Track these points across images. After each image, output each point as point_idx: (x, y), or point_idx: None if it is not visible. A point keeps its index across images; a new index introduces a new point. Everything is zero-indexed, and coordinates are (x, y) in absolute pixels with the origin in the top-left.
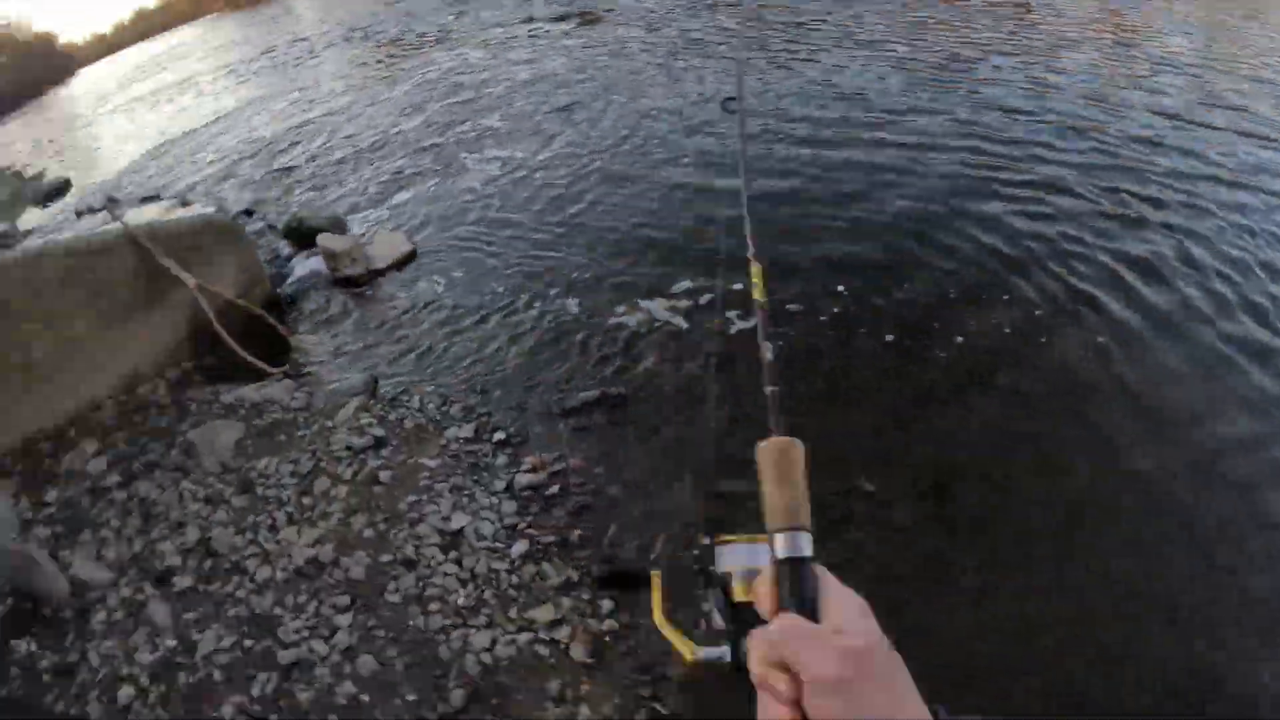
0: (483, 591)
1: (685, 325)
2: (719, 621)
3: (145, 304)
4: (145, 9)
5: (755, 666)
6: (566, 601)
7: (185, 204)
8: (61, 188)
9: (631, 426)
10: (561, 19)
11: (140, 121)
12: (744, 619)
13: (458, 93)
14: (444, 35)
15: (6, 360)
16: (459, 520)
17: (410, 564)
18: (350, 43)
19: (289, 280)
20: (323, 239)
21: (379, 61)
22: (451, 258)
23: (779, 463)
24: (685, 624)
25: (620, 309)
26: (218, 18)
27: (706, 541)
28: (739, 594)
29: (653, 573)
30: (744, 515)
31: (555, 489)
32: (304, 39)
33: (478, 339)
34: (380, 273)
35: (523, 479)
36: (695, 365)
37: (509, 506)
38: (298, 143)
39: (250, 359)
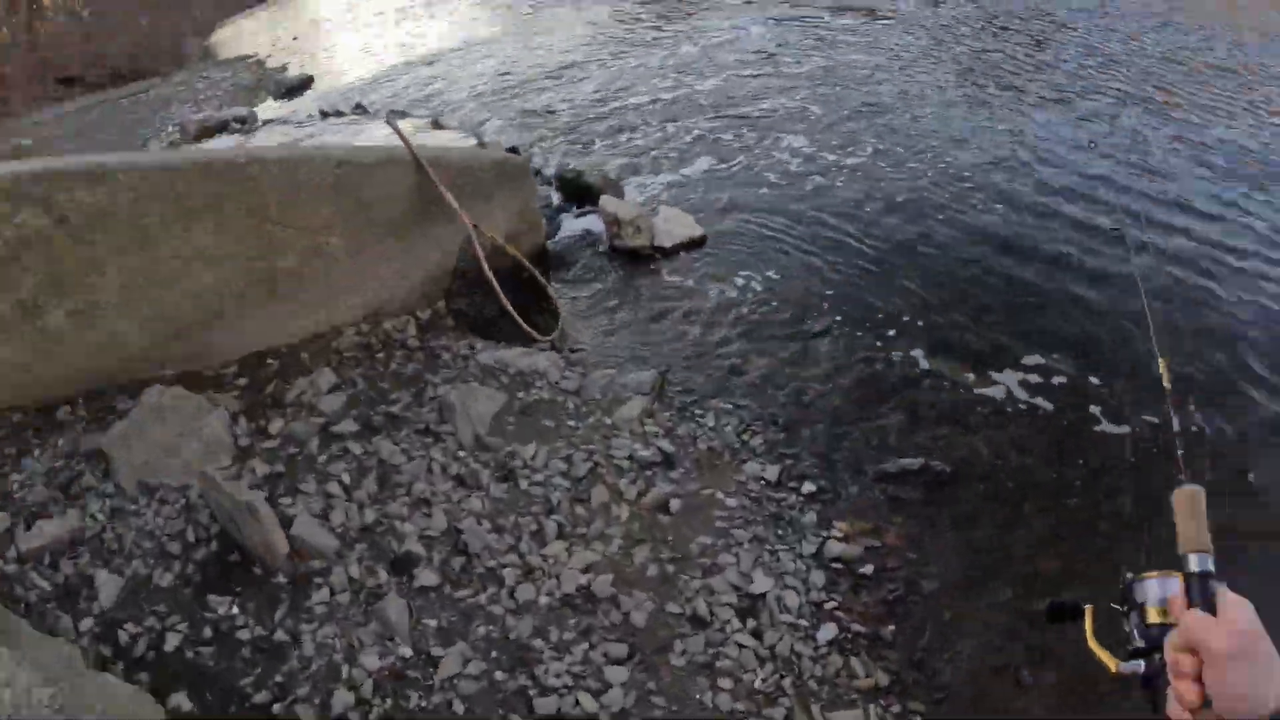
0: (782, 676)
1: (1041, 406)
2: (1137, 640)
3: (409, 232)
4: None
5: (1169, 653)
6: (874, 711)
7: (438, 125)
8: (304, 83)
9: (951, 509)
10: (843, 10)
11: (388, 34)
12: (1155, 639)
13: (740, 69)
14: (718, 3)
15: (252, 264)
16: (761, 582)
17: (701, 623)
18: None
19: (558, 236)
20: (606, 200)
21: (648, 18)
22: (750, 254)
23: (1191, 503)
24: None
25: (961, 369)
26: None
27: (1129, 576)
28: (1153, 617)
29: (1087, 606)
30: None
31: (869, 568)
32: None
33: (784, 361)
34: (666, 252)
35: (835, 548)
36: (1039, 456)
37: (818, 578)
38: (559, 86)
39: (520, 320)
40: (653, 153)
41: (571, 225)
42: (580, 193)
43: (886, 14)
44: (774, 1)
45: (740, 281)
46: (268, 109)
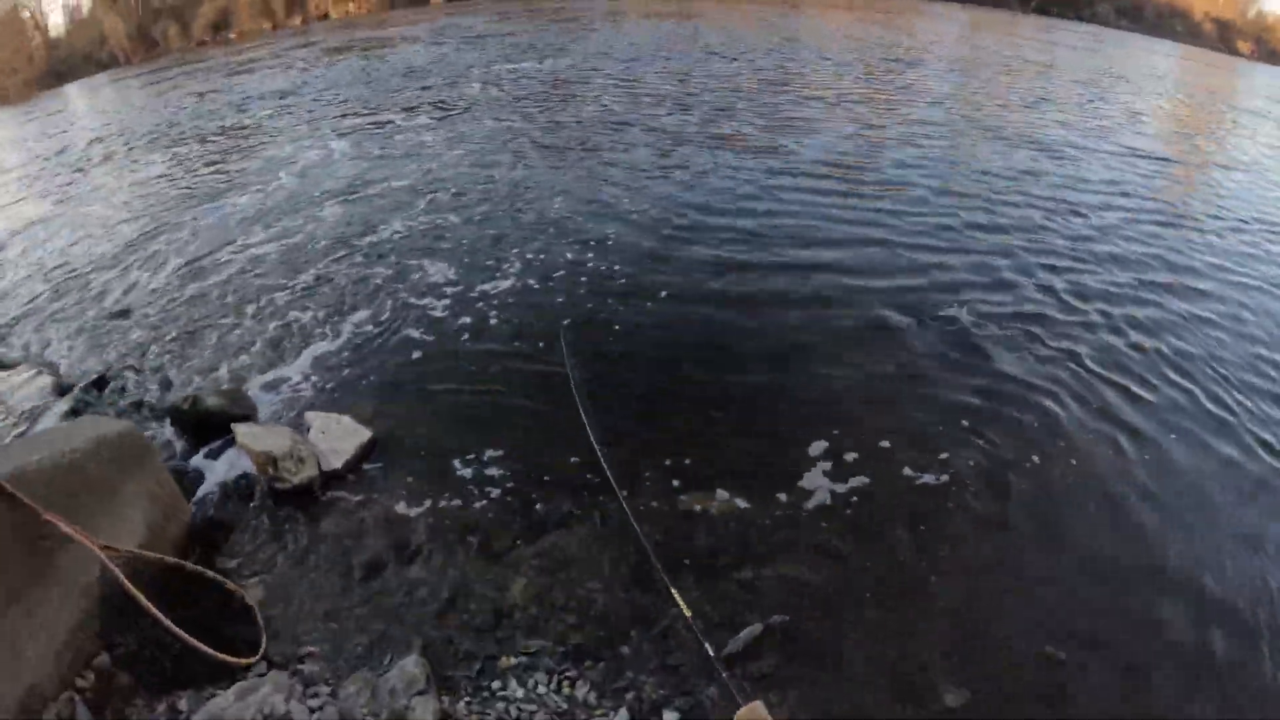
0: None
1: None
2: None
3: (27, 584)
4: None
5: None
6: None
7: (2, 365)
8: None
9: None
10: (411, 109)
11: None
12: None
13: (324, 202)
14: (275, 132)
15: None
16: None
17: None
18: (161, 141)
19: (198, 493)
20: (245, 433)
21: (209, 164)
22: (432, 441)
23: None
24: None
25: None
26: None
27: None
28: None
29: None
30: None
31: None
32: (101, 137)
33: (542, 569)
34: (337, 475)
35: None
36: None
37: None
38: (130, 271)
39: (210, 650)
40: (254, 340)
41: (209, 472)
42: (202, 422)
43: (455, 104)
44: (330, 117)
45: (440, 481)
46: None
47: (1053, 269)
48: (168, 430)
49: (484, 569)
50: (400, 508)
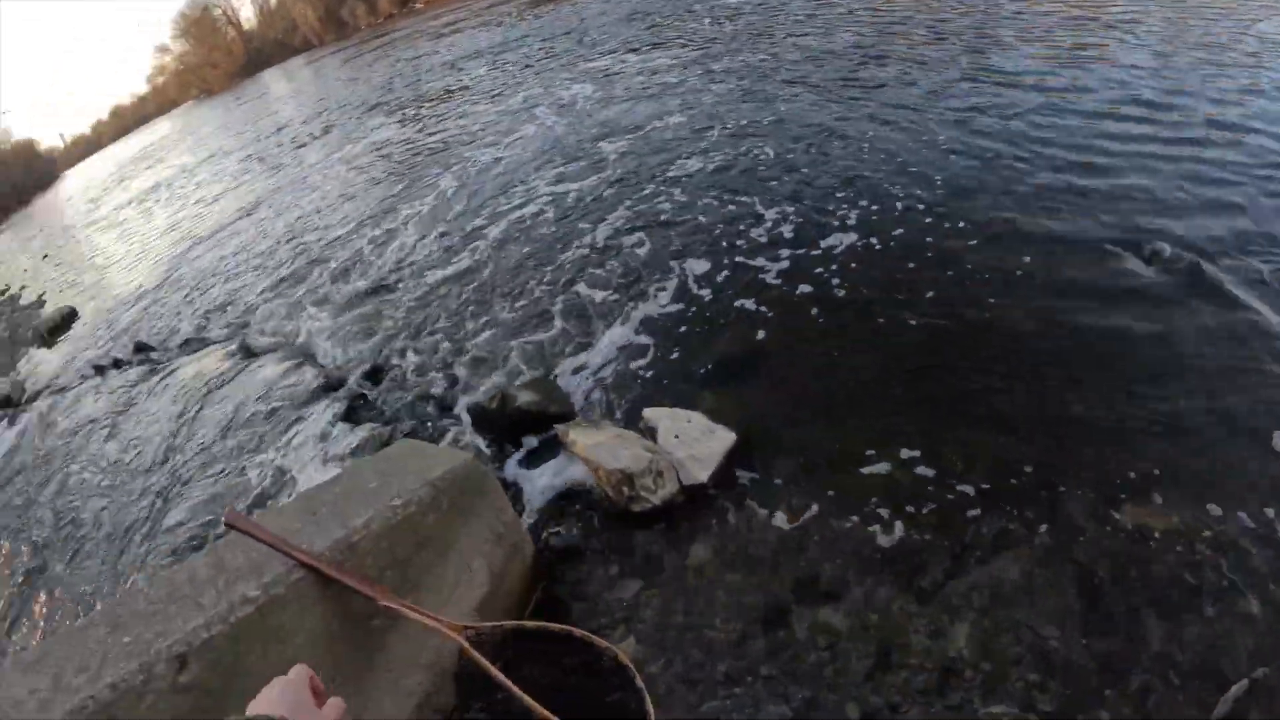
0: None
1: None
2: None
3: (358, 670)
4: (121, 106)
5: None
6: None
7: (249, 352)
8: (67, 319)
9: None
10: (644, 49)
11: (138, 229)
12: None
13: (584, 152)
14: (504, 81)
15: None
16: None
17: None
18: (383, 108)
19: (525, 515)
20: (584, 443)
21: (440, 123)
22: (795, 446)
23: None
24: None
25: None
26: (194, 104)
27: None
28: None
29: None
30: None
31: None
32: (318, 112)
33: (970, 620)
34: (702, 489)
35: None
36: None
37: None
38: (376, 246)
39: None
40: (564, 308)
41: (529, 485)
42: (514, 423)
43: (691, 40)
44: (559, 65)
45: (829, 492)
46: (35, 364)
47: None
48: (468, 432)
49: (913, 610)
50: (787, 529)
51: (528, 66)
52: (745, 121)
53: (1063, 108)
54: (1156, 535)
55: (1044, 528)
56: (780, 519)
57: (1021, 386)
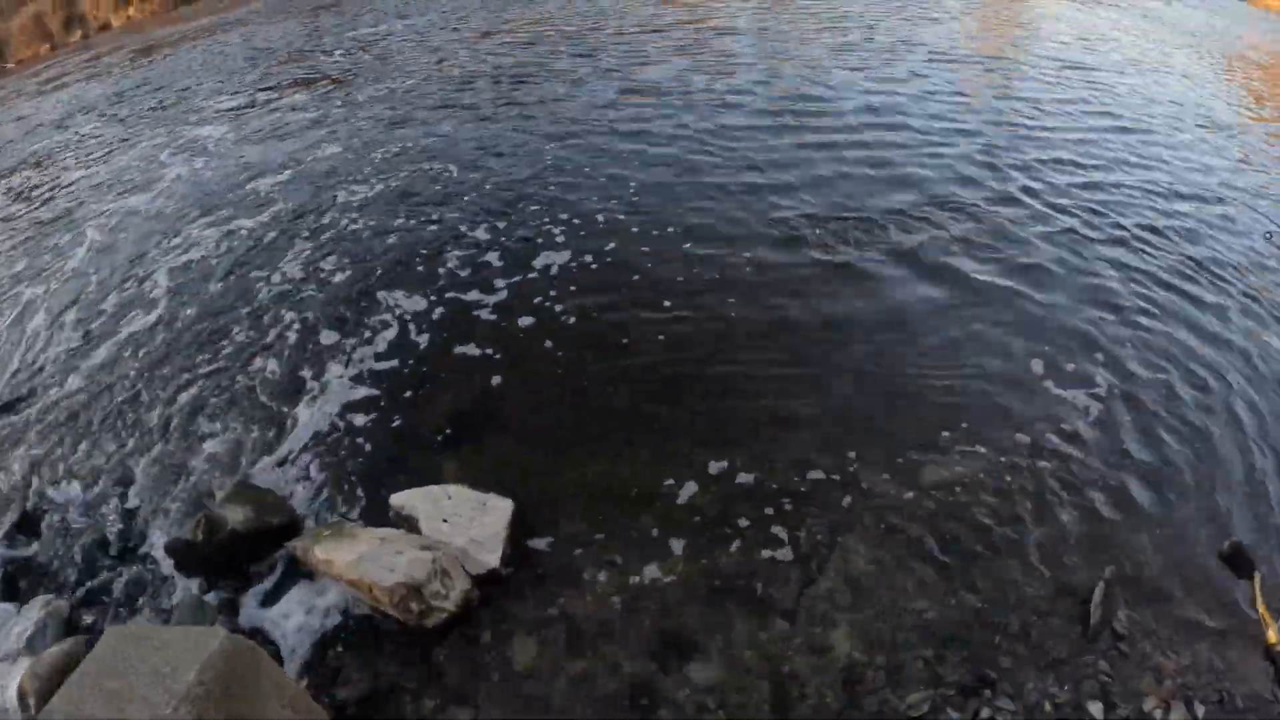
0: None
1: None
2: None
3: None
4: None
5: None
6: None
7: None
8: None
9: None
10: (273, 88)
11: None
12: None
13: (236, 196)
14: (121, 134)
15: None
16: None
17: None
18: None
19: (289, 670)
20: (338, 560)
21: (50, 191)
22: (580, 501)
23: None
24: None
25: None
26: None
27: None
28: None
29: (1256, 573)
30: None
31: None
32: None
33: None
34: (496, 577)
35: None
36: None
37: None
38: None
39: None
40: (245, 387)
41: (280, 631)
42: (229, 552)
43: (323, 75)
44: (179, 111)
45: (641, 546)
46: None
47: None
48: (175, 580)
49: (783, 633)
50: (608, 589)
51: (153, 112)
52: (412, 145)
53: (721, 110)
54: (958, 488)
55: (864, 512)
56: (597, 580)
57: (777, 380)
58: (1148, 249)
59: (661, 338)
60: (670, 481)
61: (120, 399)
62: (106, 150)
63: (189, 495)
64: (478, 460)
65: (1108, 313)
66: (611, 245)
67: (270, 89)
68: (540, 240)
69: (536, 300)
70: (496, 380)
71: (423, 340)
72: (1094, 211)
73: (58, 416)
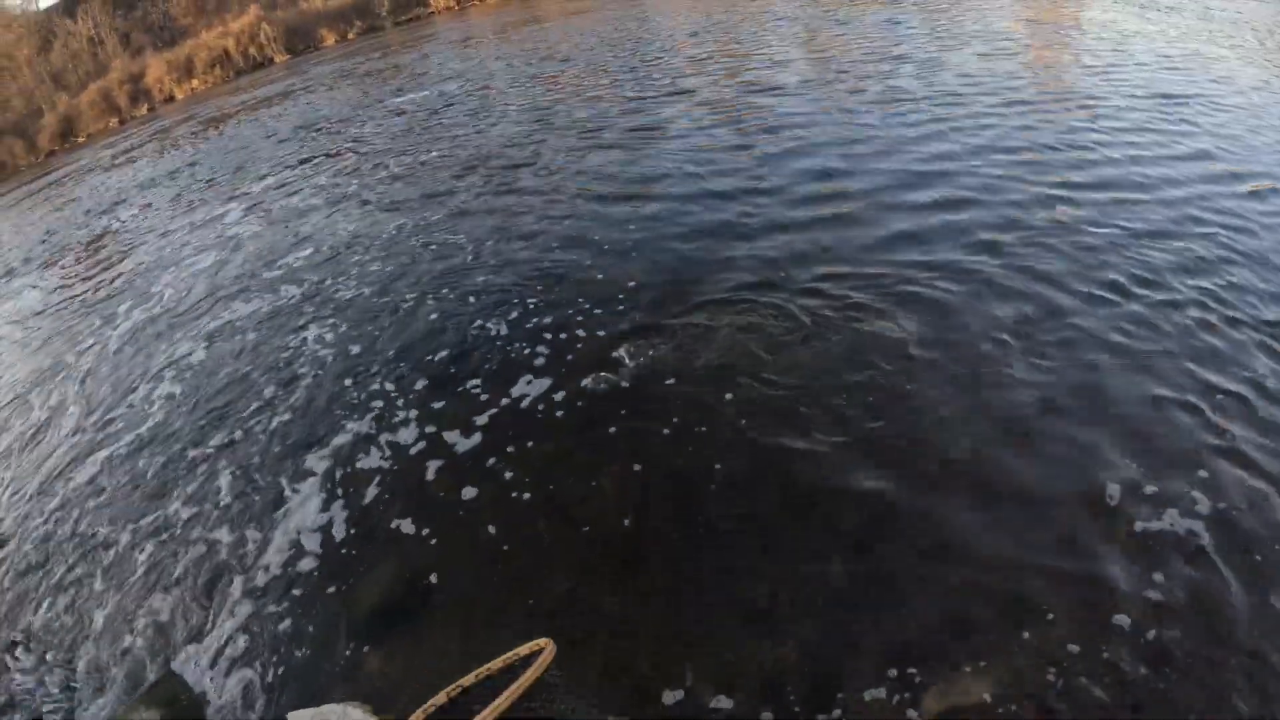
0: None
1: None
2: None
3: None
4: None
5: None
6: None
7: None
8: None
9: None
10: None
11: None
12: None
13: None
14: (151, 224)
15: None
16: None
17: None
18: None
19: None
20: None
21: (89, 278)
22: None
23: None
24: None
25: None
26: None
27: None
28: None
29: None
30: None
31: None
32: None
33: None
34: None
35: None
36: None
37: None
38: None
39: None
40: (161, 557)
41: None
42: None
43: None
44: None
45: None
46: None
47: None
48: None
49: None
50: None
51: (198, 191)
52: (410, 230)
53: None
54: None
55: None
56: None
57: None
58: None
59: (618, 503)
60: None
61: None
62: (138, 243)
63: (125, 679)
64: (394, 668)
65: None
66: (585, 385)
67: (307, 162)
68: (528, 355)
69: (498, 458)
70: (440, 555)
71: (370, 502)
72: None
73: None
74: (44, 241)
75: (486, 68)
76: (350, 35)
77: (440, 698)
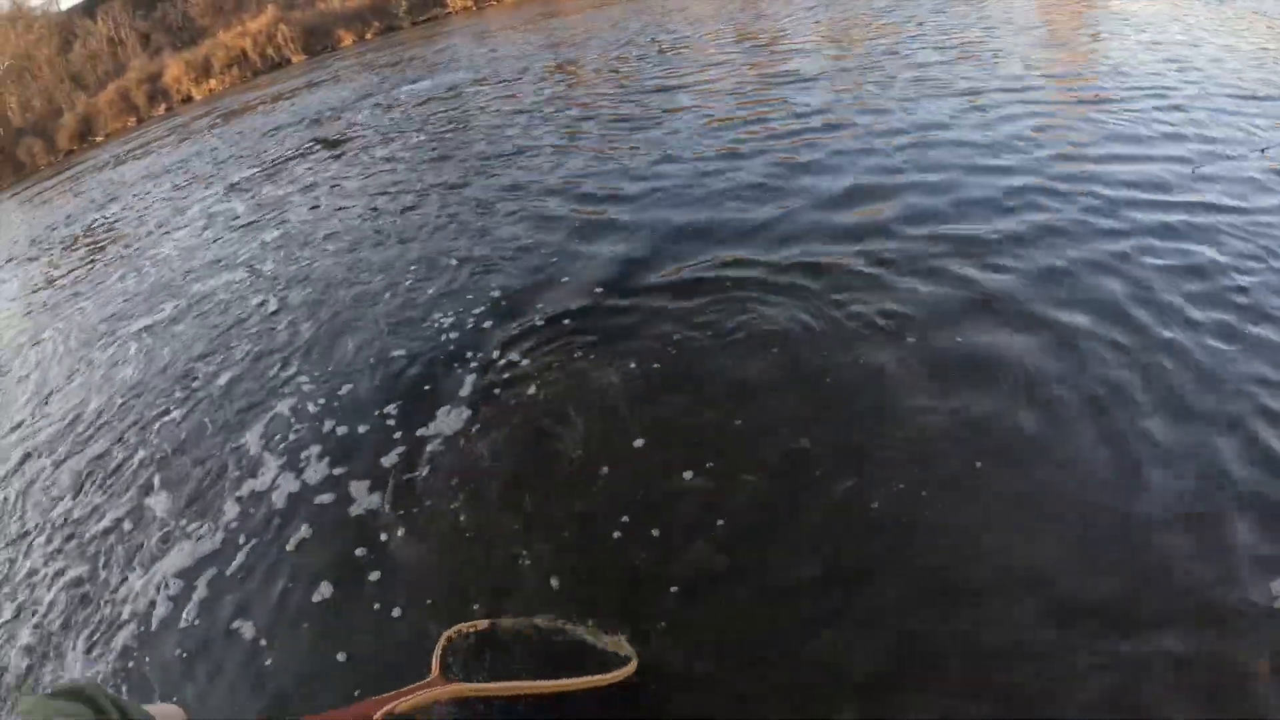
0: None
1: None
2: None
3: None
4: None
5: None
6: None
7: None
8: None
9: None
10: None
11: None
12: None
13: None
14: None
15: None
16: None
17: None
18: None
19: None
20: None
21: (77, 267)
22: None
23: None
24: None
25: None
26: None
27: None
28: None
29: None
30: None
31: None
32: None
33: None
34: None
35: None
36: None
37: None
38: None
39: None
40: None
41: None
42: None
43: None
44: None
45: None
46: None
47: None
48: None
49: None
50: None
51: (185, 187)
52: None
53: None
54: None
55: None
56: None
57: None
58: None
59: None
60: None
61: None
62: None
63: None
64: None
65: None
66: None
67: (296, 157)
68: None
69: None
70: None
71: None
72: None
73: None
74: (41, 236)
75: (496, 64)
76: (368, 35)
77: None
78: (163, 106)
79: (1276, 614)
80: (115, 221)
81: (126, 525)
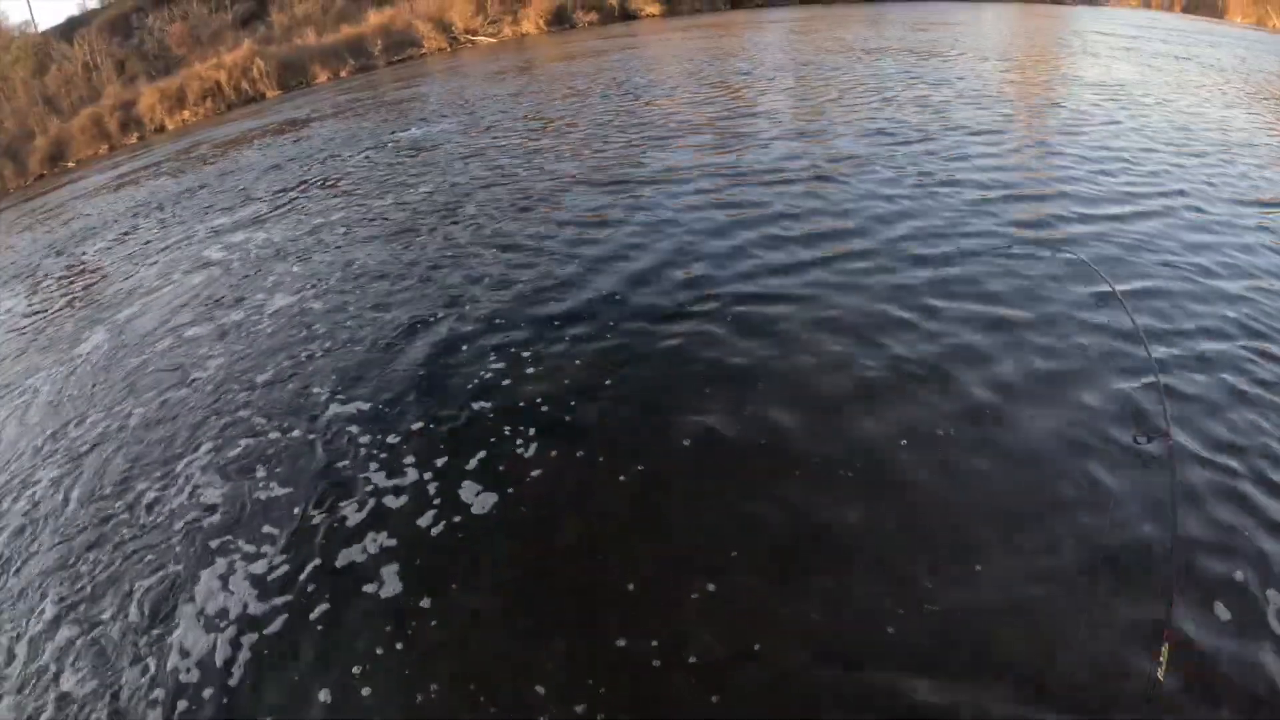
0: None
1: None
2: None
3: None
4: None
5: None
6: None
7: None
8: None
9: None
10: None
11: None
12: None
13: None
14: (141, 250)
15: None
16: None
17: None
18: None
19: None
20: None
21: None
22: None
23: None
24: None
25: None
26: None
27: None
28: None
29: None
30: None
31: None
32: None
33: None
34: None
35: None
36: None
37: None
38: None
39: None
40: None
41: None
42: None
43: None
44: (199, 225)
45: None
46: None
47: None
48: None
49: None
50: None
51: (162, 230)
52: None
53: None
54: None
55: None
56: None
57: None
58: None
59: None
60: None
61: None
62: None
63: None
64: None
65: None
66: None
67: (285, 203)
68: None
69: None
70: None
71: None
72: None
73: None
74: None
75: (468, 108)
76: (343, 73)
77: None
78: (135, 136)
79: None
80: (83, 257)
81: None
